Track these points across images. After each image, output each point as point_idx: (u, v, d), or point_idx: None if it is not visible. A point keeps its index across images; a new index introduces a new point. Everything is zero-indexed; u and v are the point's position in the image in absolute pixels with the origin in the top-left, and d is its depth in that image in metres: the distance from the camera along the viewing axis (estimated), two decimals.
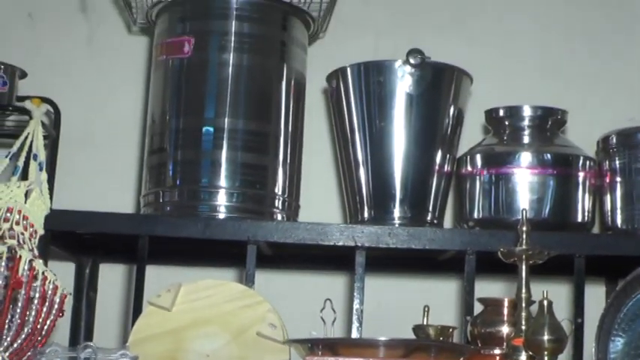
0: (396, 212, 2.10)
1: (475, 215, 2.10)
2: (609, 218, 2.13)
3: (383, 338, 1.56)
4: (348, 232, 2.01)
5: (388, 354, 1.54)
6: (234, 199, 2.06)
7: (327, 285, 2.31)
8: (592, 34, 2.45)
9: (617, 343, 1.91)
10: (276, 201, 2.11)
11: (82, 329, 2.30)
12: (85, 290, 2.33)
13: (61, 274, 2.05)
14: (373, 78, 2.12)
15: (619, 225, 2.11)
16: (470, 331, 1.82)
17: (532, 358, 1.57)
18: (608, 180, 2.13)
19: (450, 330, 1.80)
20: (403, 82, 2.10)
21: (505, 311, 1.81)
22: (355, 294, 1.98)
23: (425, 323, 1.80)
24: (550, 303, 1.59)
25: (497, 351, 1.77)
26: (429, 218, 2.11)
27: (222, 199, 2.06)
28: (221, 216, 2.05)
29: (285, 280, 2.28)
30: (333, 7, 2.30)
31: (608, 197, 2.14)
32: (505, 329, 1.76)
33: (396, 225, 2.07)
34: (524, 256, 1.65)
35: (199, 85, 2.10)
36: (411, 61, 2.08)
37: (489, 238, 1.96)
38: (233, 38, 2.11)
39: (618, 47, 2.45)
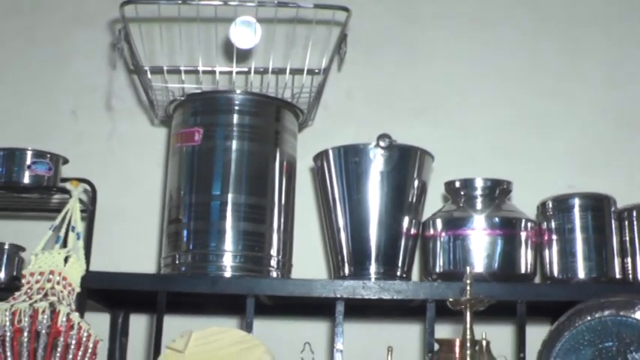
0: (372, 268, 2.13)
1: (437, 270, 2.13)
2: (548, 270, 2.16)
3: None
4: (329, 286, 2.05)
5: None
6: (237, 260, 2.10)
7: (313, 330, 2.35)
8: (535, 117, 2.50)
9: None
10: (272, 261, 2.14)
11: None
12: (119, 337, 2.35)
13: (98, 324, 2.15)
14: (351, 158, 2.17)
15: (556, 275, 2.14)
16: None
17: None
18: (546, 238, 2.16)
19: None
20: (375, 161, 2.14)
21: (457, 350, 1.83)
22: (336, 338, 2.01)
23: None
24: (488, 342, 1.63)
25: None
26: (398, 273, 2.14)
27: (227, 261, 2.09)
28: (226, 274, 2.08)
29: (280, 326, 2.32)
30: (318, 101, 2.36)
31: (547, 252, 2.16)
32: None
33: (371, 279, 2.09)
34: (468, 304, 1.69)
35: (208, 168, 2.15)
36: (381, 144, 2.12)
37: (446, 289, 1.99)
38: (235, 129, 2.16)
39: (558, 126, 2.49)
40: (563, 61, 2.56)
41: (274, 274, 2.15)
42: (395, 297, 2.02)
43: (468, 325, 1.68)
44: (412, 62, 2.58)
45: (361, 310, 2.25)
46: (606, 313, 1.95)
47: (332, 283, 2.07)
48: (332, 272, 2.22)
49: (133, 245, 2.43)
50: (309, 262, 2.33)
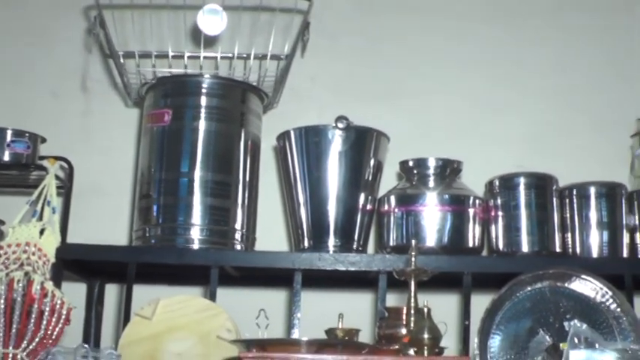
0: (330, 242, 2.16)
1: (391, 243, 2.16)
2: (494, 244, 2.19)
3: (299, 338, 1.62)
4: (288, 258, 2.09)
5: (304, 350, 1.60)
6: (204, 233, 2.12)
7: (274, 299, 2.37)
8: (487, 102, 2.53)
9: (496, 340, 1.97)
10: (237, 234, 2.17)
11: (92, 336, 2.33)
12: (94, 306, 2.36)
13: (75, 293, 2.19)
14: (311, 139, 2.19)
15: (501, 249, 2.17)
16: (377, 333, 1.87)
17: (416, 352, 1.63)
18: (493, 214, 2.19)
19: (354, 332, 1.84)
20: (334, 141, 2.17)
21: (403, 317, 1.85)
22: (294, 306, 2.04)
23: (340, 327, 1.85)
24: (429, 309, 1.66)
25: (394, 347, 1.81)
26: (354, 246, 2.17)
27: (194, 234, 2.12)
28: (193, 247, 2.11)
29: (244, 295, 2.33)
30: (282, 85, 2.38)
31: (493, 227, 2.20)
32: (403, 331, 1.80)
33: (329, 252, 2.12)
34: (412, 274, 1.72)
35: (176, 146, 2.17)
36: (339, 125, 2.15)
37: (397, 261, 2.02)
38: (203, 110, 2.19)
39: (508, 111, 2.52)
40: (515, 50, 2.59)
41: (238, 247, 2.17)
42: (349, 268, 2.05)
43: (412, 294, 1.71)
44: (373, 50, 2.60)
45: (321, 280, 2.28)
46: (545, 284, 1.99)
47: (291, 255, 2.10)
48: (292, 245, 2.24)
49: (108, 219, 2.45)
50: (271, 236, 2.36)
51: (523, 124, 2.52)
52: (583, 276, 1.97)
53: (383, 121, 2.31)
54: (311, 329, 1.92)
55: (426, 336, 1.62)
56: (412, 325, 1.69)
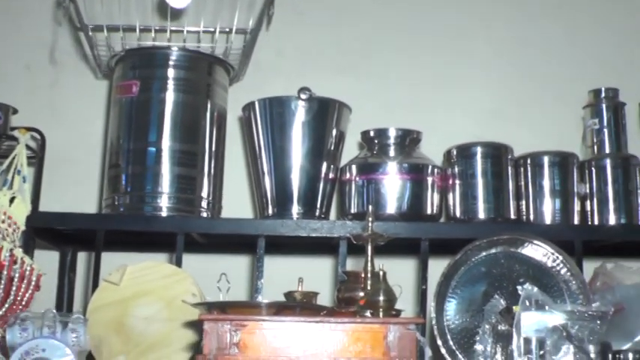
0: (293, 209, 2.14)
1: (352, 210, 2.15)
2: (452, 211, 2.18)
3: (259, 300, 1.61)
4: (252, 224, 2.07)
5: (263, 312, 1.58)
6: (171, 201, 2.10)
7: (239, 265, 2.35)
8: (447, 74, 2.51)
9: (452, 303, 1.97)
10: (203, 202, 2.15)
11: (64, 303, 2.30)
12: (67, 273, 2.33)
13: (48, 261, 2.16)
14: (275, 109, 2.17)
15: (459, 216, 2.16)
16: (337, 296, 1.85)
17: (372, 313, 1.61)
18: (451, 183, 2.18)
19: (313, 295, 1.83)
20: (297, 112, 2.15)
21: (362, 280, 1.83)
22: (257, 271, 2.02)
23: (299, 290, 1.83)
24: (384, 273, 1.65)
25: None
26: (317, 213, 2.15)
27: (161, 202, 2.10)
28: (161, 214, 2.09)
29: (210, 262, 2.31)
30: (248, 58, 2.35)
31: (451, 195, 2.19)
32: (361, 294, 1.79)
33: (293, 219, 2.10)
34: (369, 239, 1.70)
35: (144, 117, 2.15)
36: (302, 96, 2.12)
37: (357, 227, 2.01)
38: (170, 81, 2.16)
39: (468, 83, 2.51)
40: (473, 25, 2.57)
41: (204, 215, 2.14)
42: (311, 234, 2.04)
43: (369, 258, 1.69)
44: (338, 24, 2.57)
45: (285, 247, 2.26)
46: (498, 249, 1.99)
47: (254, 221, 2.10)
48: (258, 213, 2.22)
49: (79, 188, 2.42)
50: (238, 205, 2.33)
51: (481, 96, 2.51)
52: (535, 241, 1.97)
53: (347, 93, 2.29)
54: (275, 294, 1.90)
55: (381, 298, 1.61)
56: (369, 287, 1.66)
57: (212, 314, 1.59)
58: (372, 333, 1.55)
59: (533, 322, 1.80)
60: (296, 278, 2.05)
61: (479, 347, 1.96)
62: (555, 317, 1.82)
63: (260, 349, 1.54)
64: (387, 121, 2.24)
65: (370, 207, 1.76)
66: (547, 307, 1.85)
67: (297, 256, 2.33)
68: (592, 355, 1.87)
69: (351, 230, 1.98)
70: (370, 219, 1.71)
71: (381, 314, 1.60)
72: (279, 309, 1.59)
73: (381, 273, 1.63)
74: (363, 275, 1.77)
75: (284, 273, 2.17)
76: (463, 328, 1.97)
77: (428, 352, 1.58)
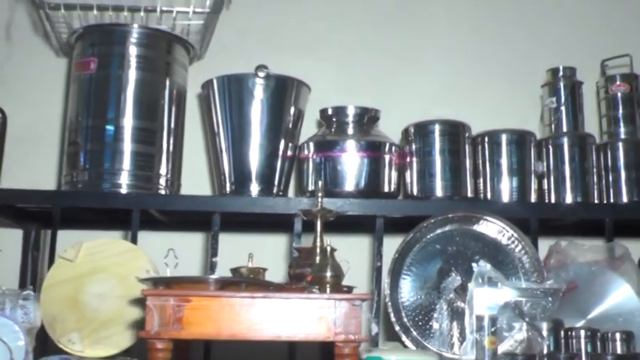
0: (251, 187, 2.07)
1: (310, 188, 2.07)
2: (409, 189, 2.10)
3: (205, 276, 1.52)
4: (208, 201, 1.99)
5: (210, 287, 1.50)
6: (129, 179, 2.02)
7: (197, 242, 2.26)
8: (408, 54, 2.43)
9: (407, 280, 1.90)
10: (161, 180, 2.07)
11: (28, 280, 2.21)
12: (30, 250, 2.25)
13: (11, 239, 2.06)
14: (233, 87, 2.09)
15: (416, 194, 2.08)
16: (288, 272, 1.77)
17: (319, 289, 1.53)
18: (408, 160, 2.10)
19: (261, 270, 1.74)
20: (255, 90, 2.07)
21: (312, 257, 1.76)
22: (211, 248, 1.94)
23: (251, 266, 1.75)
24: (332, 249, 1.57)
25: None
26: (275, 191, 2.07)
27: (119, 179, 2.02)
28: (120, 191, 2.00)
29: (168, 238, 2.22)
30: (207, 37, 2.28)
31: (408, 173, 2.11)
32: (310, 270, 1.71)
33: (251, 196, 2.02)
34: (318, 215, 1.62)
35: (103, 94, 2.06)
36: (259, 74, 2.04)
37: (312, 204, 1.91)
38: (128, 59, 2.07)
39: (427, 62, 2.43)
40: (431, 4, 2.47)
41: (162, 192, 2.06)
42: (266, 211, 1.95)
43: (319, 234, 1.61)
44: (299, 3, 2.47)
45: (243, 224, 2.18)
46: (453, 226, 1.91)
47: (210, 198, 2.02)
48: (216, 191, 2.14)
49: (41, 166, 2.32)
50: (197, 183, 2.25)
51: (440, 74, 2.42)
52: (488, 218, 1.90)
53: (308, 72, 2.22)
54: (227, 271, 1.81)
55: (328, 274, 1.52)
56: (317, 261, 1.58)
57: (158, 290, 1.50)
58: (318, 309, 1.46)
59: (485, 299, 1.73)
60: (254, 255, 1.97)
61: (435, 325, 1.89)
62: (507, 294, 1.75)
63: (204, 325, 1.45)
64: (347, 100, 2.16)
65: (320, 183, 1.68)
66: (499, 284, 1.78)
67: (256, 233, 2.24)
68: (544, 333, 1.80)
69: (307, 207, 1.89)
70: (320, 194, 1.63)
71: (327, 290, 1.51)
72: (225, 285, 1.51)
73: (328, 249, 1.55)
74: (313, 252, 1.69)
75: (242, 250, 2.08)
76: (418, 305, 1.89)
77: (374, 329, 1.50)
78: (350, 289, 1.77)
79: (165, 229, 2.20)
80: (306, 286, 1.57)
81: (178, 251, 2.05)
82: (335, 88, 2.32)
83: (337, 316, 1.46)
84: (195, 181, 2.23)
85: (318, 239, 1.60)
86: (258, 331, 1.45)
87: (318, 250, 1.60)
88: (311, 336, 1.47)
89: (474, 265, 1.82)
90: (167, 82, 2.11)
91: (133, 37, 2.09)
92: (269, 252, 2.12)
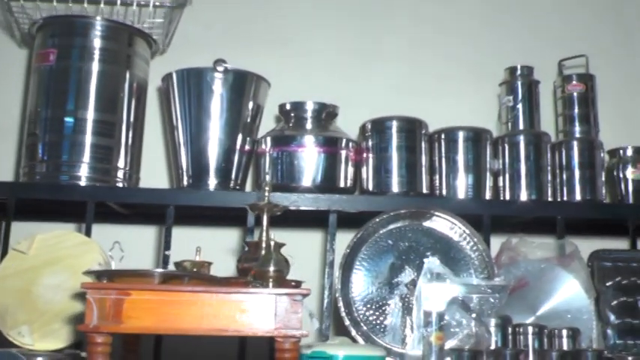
0: (209, 181, 2.01)
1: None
2: (365, 184, 2.05)
3: (148, 269, 1.47)
4: (162, 194, 1.94)
5: (153, 281, 1.44)
6: (87, 171, 1.96)
7: (151, 234, 2.20)
8: (368, 52, 2.37)
9: (358, 275, 1.86)
10: (120, 173, 2.01)
11: None
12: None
13: None
14: (192, 81, 2.03)
15: (372, 189, 2.03)
16: (237, 266, 1.72)
17: (262, 283, 1.48)
18: (365, 156, 2.05)
19: (206, 264, 1.69)
20: (213, 84, 2.02)
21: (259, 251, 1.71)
22: (165, 241, 1.89)
23: (198, 260, 1.69)
24: (277, 243, 1.51)
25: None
26: (232, 185, 2.01)
27: (77, 171, 1.96)
28: (80, 183, 1.95)
29: (124, 231, 2.17)
30: (169, 31, 2.22)
31: (364, 169, 2.06)
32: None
33: (209, 190, 1.97)
34: (265, 209, 1.56)
35: (62, 86, 2.00)
36: (218, 68, 1.99)
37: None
38: (89, 51, 2.01)
39: (387, 59, 2.37)
40: (395, 1, 2.41)
41: (120, 184, 2.00)
42: (220, 205, 1.90)
43: (265, 228, 1.55)
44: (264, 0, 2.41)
45: (200, 218, 2.12)
46: (405, 222, 1.87)
47: (164, 191, 1.97)
48: (174, 185, 2.08)
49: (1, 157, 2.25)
50: (157, 176, 2.19)
51: (399, 71, 2.35)
52: (438, 214, 1.85)
53: (272, 67, 2.17)
54: None
55: (271, 269, 1.46)
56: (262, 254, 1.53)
57: (97, 283, 1.44)
58: (259, 304, 1.41)
59: (432, 294, 1.69)
60: (208, 248, 1.92)
61: (387, 320, 1.84)
62: (455, 290, 1.71)
63: (143, 319, 1.39)
64: (309, 96, 2.10)
65: (267, 177, 1.64)
66: (447, 280, 1.74)
67: (212, 227, 2.18)
68: (492, 329, 1.77)
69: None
70: (267, 189, 1.57)
71: (270, 285, 1.46)
72: (167, 278, 1.45)
73: (272, 243, 1.49)
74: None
75: (197, 244, 2.04)
76: (369, 300, 1.85)
77: (315, 324, 1.45)
78: (298, 284, 1.72)
79: (124, 222, 2.14)
80: (251, 281, 1.52)
81: (135, 244, 2.01)
82: (297, 84, 2.26)
83: (277, 311, 1.41)
84: (155, 175, 2.17)
85: (264, 233, 1.54)
86: (197, 325, 1.40)
87: (264, 244, 1.53)
88: (251, 331, 1.41)
89: (424, 260, 1.79)
90: (127, 75, 2.05)
91: (94, 29, 2.03)
92: (224, 246, 2.06)
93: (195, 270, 1.59)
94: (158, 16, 2.22)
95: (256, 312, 1.41)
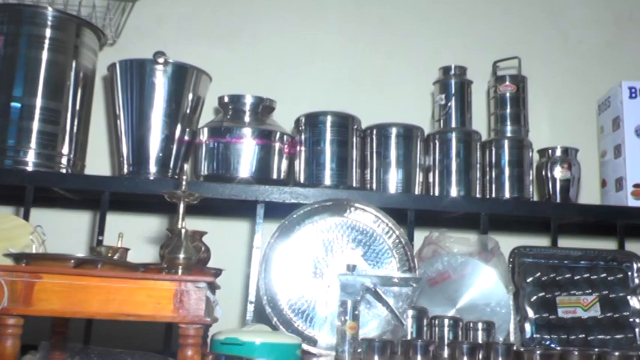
0: (149, 169, 1.97)
1: (203, 172, 1.98)
2: (298, 176, 2.02)
3: (63, 253, 1.44)
4: (98, 181, 1.91)
5: (67, 265, 1.41)
6: (32, 157, 1.92)
7: (85, 220, 2.16)
8: (310, 45, 2.33)
9: (282, 264, 1.83)
10: (63, 159, 1.97)
11: None
12: None
13: None
14: (134, 71, 2.00)
15: (303, 181, 2.00)
16: (160, 254, 1.69)
17: (171, 270, 1.45)
18: (298, 149, 2.01)
19: (124, 250, 1.65)
20: (154, 75, 1.98)
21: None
22: (98, 226, 1.86)
23: (120, 246, 1.66)
24: (187, 231, 1.47)
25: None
26: (170, 174, 1.98)
27: (22, 157, 1.92)
28: (24, 168, 1.91)
29: (68, 215, 2.13)
30: (121, 24, 2.19)
31: (297, 162, 2.02)
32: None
33: (149, 179, 1.93)
34: (182, 197, 1.53)
35: (10, 72, 1.95)
36: (158, 60, 1.95)
37: (204, 189, 1.86)
38: (37, 39, 1.97)
39: (323, 57, 2.33)
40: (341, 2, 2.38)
41: (64, 171, 1.96)
42: (152, 193, 1.86)
43: (180, 216, 1.51)
44: None
45: (140, 205, 2.08)
46: (328, 214, 1.84)
47: (98, 178, 1.92)
48: (116, 172, 2.04)
49: None
50: (102, 164, 2.15)
51: (337, 68, 2.31)
52: (361, 207, 1.82)
53: (216, 61, 2.17)
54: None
55: (181, 256, 1.43)
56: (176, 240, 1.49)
57: (7, 265, 1.41)
58: (164, 290, 1.38)
59: (348, 286, 1.66)
60: (143, 235, 1.90)
61: (310, 309, 1.81)
62: (371, 282, 1.68)
63: (53, 302, 1.36)
64: (252, 90, 2.07)
65: (186, 165, 1.59)
66: (364, 272, 1.71)
67: (151, 214, 2.14)
68: (409, 320, 1.74)
69: (204, 190, 1.83)
70: (184, 177, 1.53)
71: (180, 271, 1.42)
72: (81, 263, 1.42)
73: (183, 231, 1.45)
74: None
75: (133, 230, 2.01)
76: (292, 289, 1.81)
77: (218, 311, 1.42)
78: (218, 272, 1.70)
79: (69, 207, 2.10)
80: (164, 267, 1.49)
81: (76, 229, 1.97)
82: (240, 78, 2.23)
83: (181, 298, 1.38)
84: (101, 162, 2.14)
85: (180, 221, 1.51)
86: (104, 310, 1.37)
87: (177, 231, 1.50)
88: (157, 316, 1.38)
89: (349, 248, 1.76)
90: (74, 65, 2.01)
91: (43, 18, 1.99)
92: (148, 230, 2.03)
93: (109, 255, 1.55)
94: (108, 8, 2.17)
95: (160, 298, 1.38)
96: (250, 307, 1.81)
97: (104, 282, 1.38)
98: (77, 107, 2.02)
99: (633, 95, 2.10)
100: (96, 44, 2.11)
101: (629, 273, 2.00)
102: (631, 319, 1.95)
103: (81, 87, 2.03)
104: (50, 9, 2.02)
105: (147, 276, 1.40)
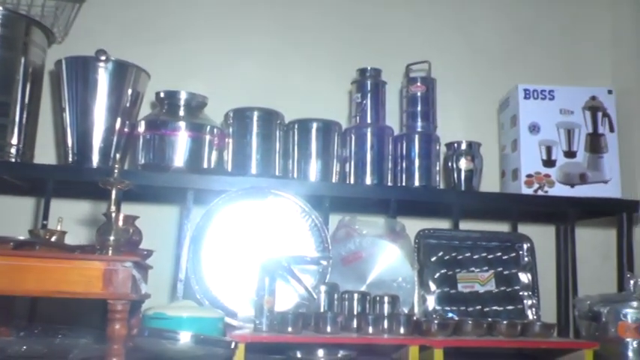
0: (93, 158, 1.99)
1: (141, 161, 2.02)
2: (227, 166, 2.07)
3: (2, 236, 1.47)
4: (42, 169, 1.94)
5: (7, 246, 1.45)
6: None
7: (31, 205, 2.17)
8: (240, 44, 2.36)
9: (207, 247, 1.86)
10: (12, 149, 1.98)
11: None
12: None
13: None
14: (79, 68, 2.01)
15: (231, 170, 2.06)
16: (95, 236, 1.71)
17: (102, 251, 1.49)
18: (227, 141, 2.06)
19: (62, 233, 1.68)
20: (97, 72, 2.00)
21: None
22: (43, 213, 1.88)
23: (60, 229, 1.69)
24: (117, 215, 1.52)
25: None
26: (111, 163, 2.00)
27: None
28: None
29: (20, 202, 2.14)
30: (68, 23, 2.20)
31: (226, 152, 2.07)
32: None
33: (93, 167, 1.96)
34: (114, 184, 1.57)
35: None
36: (100, 58, 1.98)
37: (141, 177, 1.90)
38: None
39: (253, 51, 2.35)
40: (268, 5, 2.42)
41: (12, 160, 1.97)
42: (94, 181, 1.87)
43: (113, 201, 1.55)
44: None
45: (85, 193, 2.11)
46: (248, 199, 1.90)
47: (45, 166, 1.95)
48: (62, 161, 2.06)
49: None
50: (50, 154, 2.16)
51: (265, 67, 2.34)
52: (278, 193, 1.88)
53: (162, 60, 2.21)
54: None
55: (111, 238, 1.48)
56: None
57: None
58: (94, 269, 1.43)
59: (266, 264, 1.72)
60: (85, 220, 1.92)
61: (234, 286, 1.85)
62: (284, 261, 1.74)
63: None
64: (187, 86, 2.10)
65: (118, 155, 1.62)
66: (279, 254, 1.77)
67: (91, 200, 2.16)
68: (321, 295, 1.80)
69: (142, 179, 1.87)
70: (117, 166, 1.58)
71: (110, 252, 1.47)
72: (19, 245, 1.46)
73: (113, 215, 1.50)
74: (120, 218, 1.65)
75: (78, 216, 2.05)
76: (219, 269, 1.85)
77: (144, 288, 1.46)
78: (150, 253, 1.74)
79: (17, 194, 2.12)
80: (97, 249, 1.53)
81: (20, 214, 1.99)
82: (178, 76, 2.25)
83: (110, 276, 1.42)
84: (49, 153, 2.15)
85: (113, 206, 1.55)
86: (41, 288, 1.41)
87: (108, 215, 1.54)
88: (89, 293, 1.43)
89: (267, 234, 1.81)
90: (23, 61, 2.01)
91: None
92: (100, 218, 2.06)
93: (47, 238, 1.59)
94: (56, 8, 2.18)
95: (91, 277, 1.42)
96: (180, 286, 1.86)
97: (41, 262, 1.42)
98: (26, 101, 2.02)
99: (527, 96, 2.19)
100: (45, 42, 2.11)
101: (521, 252, 2.09)
102: (521, 293, 2.05)
103: (30, 82, 2.04)
104: (0, 8, 2.02)
105: (79, 256, 1.44)
